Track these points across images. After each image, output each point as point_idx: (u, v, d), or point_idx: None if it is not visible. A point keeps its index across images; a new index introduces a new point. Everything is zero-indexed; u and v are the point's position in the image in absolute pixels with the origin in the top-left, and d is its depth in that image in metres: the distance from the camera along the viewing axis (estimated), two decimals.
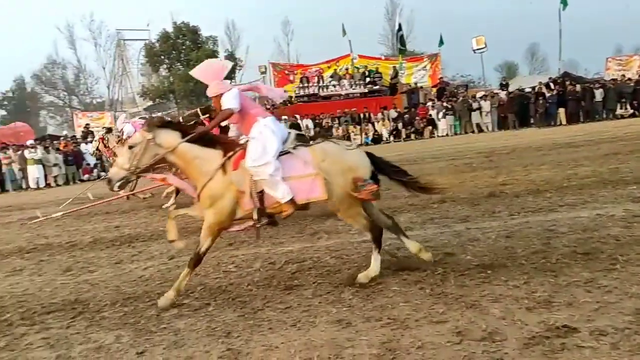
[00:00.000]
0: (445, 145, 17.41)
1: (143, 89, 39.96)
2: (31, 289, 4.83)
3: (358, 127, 23.96)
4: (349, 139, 23.58)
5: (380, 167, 4.23)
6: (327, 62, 29.63)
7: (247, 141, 4.06)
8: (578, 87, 22.34)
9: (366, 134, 23.73)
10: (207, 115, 7.38)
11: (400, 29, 30.72)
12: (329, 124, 23.96)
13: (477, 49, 31.46)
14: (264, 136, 3.99)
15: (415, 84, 28.75)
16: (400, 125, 24.00)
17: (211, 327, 3.41)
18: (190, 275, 4.07)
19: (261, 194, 3.94)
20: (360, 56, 30.01)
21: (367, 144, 23.23)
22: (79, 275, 5.18)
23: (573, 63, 40.33)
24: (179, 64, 37.38)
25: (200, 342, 3.18)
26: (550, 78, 24.83)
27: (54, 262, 5.91)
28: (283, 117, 23.56)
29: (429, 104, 25.02)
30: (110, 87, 45.00)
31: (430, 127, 23.81)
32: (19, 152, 19.82)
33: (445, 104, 24.26)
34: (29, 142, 20.92)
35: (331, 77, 27.93)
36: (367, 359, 2.73)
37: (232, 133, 4.61)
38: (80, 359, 3.13)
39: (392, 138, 23.69)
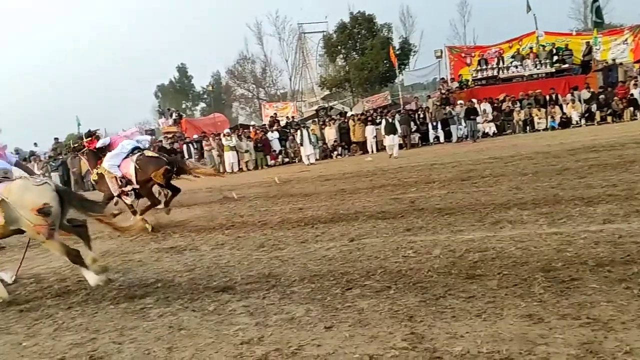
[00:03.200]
0: None
1: (321, 79, 41.91)
2: (232, 261, 5.42)
3: (543, 110, 22.10)
4: (532, 123, 21.99)
5: (68, 201, 4.94)
6: (509, 41, 27.72)
7: None
8: None
9: (552, 117, 21.77)
10: (90, 138, 8.94)
11: None
12: (510, 108, 22.51)
13: None
14: None
15: (613, 60, 25.38)
16: (593, 107, 21.51)
17: (393, 310, 3.46)
18: None
19: None
20: (547, 33, 27.46)
21: (553, 128, 21.35)
22: (271, 251, 5.66)
23: None
24: (354, 53, 38.35)
25: (384, 323, 3.25)
26: None
27: (249, 238, 6.55)
28: (459, 101, 22.83)
29: (631, 82, 21.96)
30: (292, 78, 48.10)
31: (631, 109, 20.92)
32: (217, 140, 22.34)
33: None
34: (225, 130, 23.41)
35: (512, 57, 26.12)
36: (564, 358, 2.53)
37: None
38: (276, 327, 3.42)
39: (583, 121, 21.37)
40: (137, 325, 3.76)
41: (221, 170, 20.15)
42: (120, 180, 8.22)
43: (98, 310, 4.24)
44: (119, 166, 8.25)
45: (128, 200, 8.44)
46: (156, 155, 8.51)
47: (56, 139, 26.88)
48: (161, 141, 25.04)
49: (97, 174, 8.59)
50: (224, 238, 6.75)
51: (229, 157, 21.63)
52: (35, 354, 3.45)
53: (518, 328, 2.93)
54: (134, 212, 8.43)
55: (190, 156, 22.79)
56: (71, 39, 77.69)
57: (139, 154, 8.29)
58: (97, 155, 8.67)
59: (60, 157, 23.89)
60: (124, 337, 3.57)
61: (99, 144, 8.66)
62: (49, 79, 74.54)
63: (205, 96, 56.02)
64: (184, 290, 4.53)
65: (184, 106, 55.35)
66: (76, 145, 9.45)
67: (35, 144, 26.65)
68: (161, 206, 8.82)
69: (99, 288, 4.91)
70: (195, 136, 24.47)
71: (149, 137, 14.08)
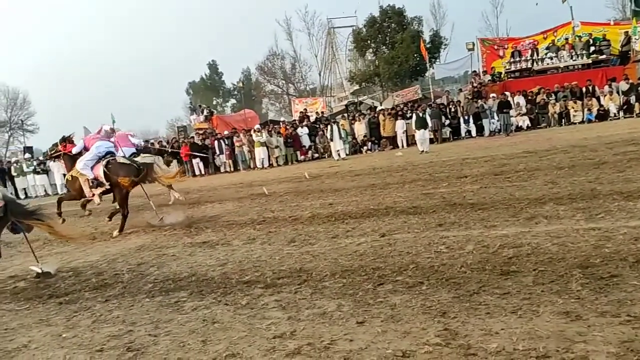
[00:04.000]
0: None
1: (350, 74, 41.77)
2: (263, 256, 5.46)
3: (579, 102, 21.51)
4: (567, 116, 21.45)
5: (11, 210, 5.58)
6: (543, 32, 27.01)
7: None
8: None
9: (589, 110, 21.17)
10: (64, 143, 9.31)
11: None
12: (544, 101, 21.98)
13: None
14: None
15: None
16: (632, 98, 20.81)
17: (426, 306, 3.43)
18: None
19: None
20: (583, 23, 26.65)
21: (590, 120, 20.76)
22: (302, 246, 5.68)
23: None
24: (384, 47, 38.10)
25: (416, 319, 3.23)
26: None
27: (280, 233, 6.59)
28: (491, 94, 22.43)
29: None
30: (321, 73, 48.06)
31: None
32: (248, 136, 22.53)
33: None
34: (256, 126, 23.56)
35: (547, 48, 25.47)
36: (603, 357, 2.46)
37: None
38: (308, 322, 3.43)
39: (621, 114, 20.71)
40: (172, 318, 3.83)
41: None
42: (92, 182, 8.54)
43: (134, 303, 4.33)
44: (92, 168, 8.53)
45: (97, 201, 8.75)
46: (128, 162, 8.72)
47: None
48: (193, 137, 25.40)
49: (71, 175, 8.89)
50: (256, 233, 6.81)
51: (260, 152, 21.79)
52: (74, 345, 3.55)
53: (555, 325, 2.87)
54: (83, 204, 9.00)
55: (221, 152, 23.06)
56: (105, 37, 79.47)
57: (110, 158, 8.55)
58: (74, 158, 8.97)
59: None
60: (159, 329, 3.64)
61: (75, 150, 9.00)
62: (85, 77, 76.45)
63: (235, 92, 56.59)
64: (217, 284, 4.58)
65: (214, 102, 56.03)
66: (52, 152, 9.82)
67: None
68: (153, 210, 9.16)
69: (135, 281, 5.03)
70: (226, 132, 24.72)
71: (141, 141, 14.87)
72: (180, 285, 4.73)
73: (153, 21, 78.30)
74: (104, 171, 8.34)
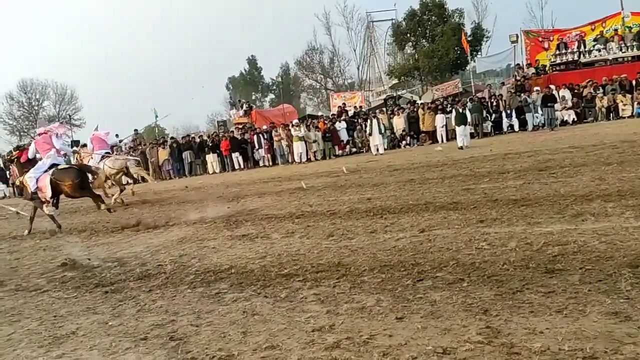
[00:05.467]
0: None
1: (389, 68, 41.42)
2: (302, 249, 5.48)
3: (628, 96, 20.65)
4: (616, 110, 20.67)
5: None
6: (591, 23, 26.09)
7: None
8: None
9: (639, 103, 20.31)
10: (18, 150, 10.49)
11: None
12: (592, 94, 21.21)
13: None
14: None
15: None
16: None
17: (467, 303, 3.37)
18: None
19: None
20: (634, 13, 25.59)
21: (639, 115, 19.94)
22: (340, 241, 5.68)
23: None
24: (424, 40, 37.60)
25: (457, 316, 3.18)
26: None
27: (318, 227, 6.60)
28: (535, 88, 21.81)
29: None
30: (360, 68, 47.88)
31: None
32: (286, 131, 22.66)
33: None
34: (294, 121, 23.67)
35: (595, 40, 24.59)
36: None
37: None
38: (346, 316, 3.43)
39: None
40: (213, 309, 3.90)
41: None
42: (33, 192, 9.43)
43: (176, 294, 4.43)
44: (37, 180, 9.40)
45: (47, 211, 9.59)
46: (68, 166, 9.80)
47: (135, 130, 28.32)
48: (232, 132, 25.74)
49: (20, 182, 9.95)
50: (294, 227, 6.84)
51: (298, 147, 21.89)
52: (120, 333, 3.66)
53: (603, 326, 2.77)
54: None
55: (260, 146, 23.29)
56: (147, 35, 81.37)
57: (54, 169, 9.43)
58: (24, 165, 9.96)
59: (140, 147, 25.21)
60: (200, 320, 3.71)
61: (29, 155, 9.98)
62: (130, 72, 78.59)
63: (274, 87, 57.08)
64: (256, 277, 4.63)
65: (253, 97, 56.64)
66: (9, 157, 11.49)
67: (117, 135, 28.19)
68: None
69: (177, 272, 5.15)
70: (264, 127, 24.94)
71: (116, 141, 17.39)
72: (221, 277, 4.80)
73: (195, 18, 79.61)
74: (51, 179, 9.20)
